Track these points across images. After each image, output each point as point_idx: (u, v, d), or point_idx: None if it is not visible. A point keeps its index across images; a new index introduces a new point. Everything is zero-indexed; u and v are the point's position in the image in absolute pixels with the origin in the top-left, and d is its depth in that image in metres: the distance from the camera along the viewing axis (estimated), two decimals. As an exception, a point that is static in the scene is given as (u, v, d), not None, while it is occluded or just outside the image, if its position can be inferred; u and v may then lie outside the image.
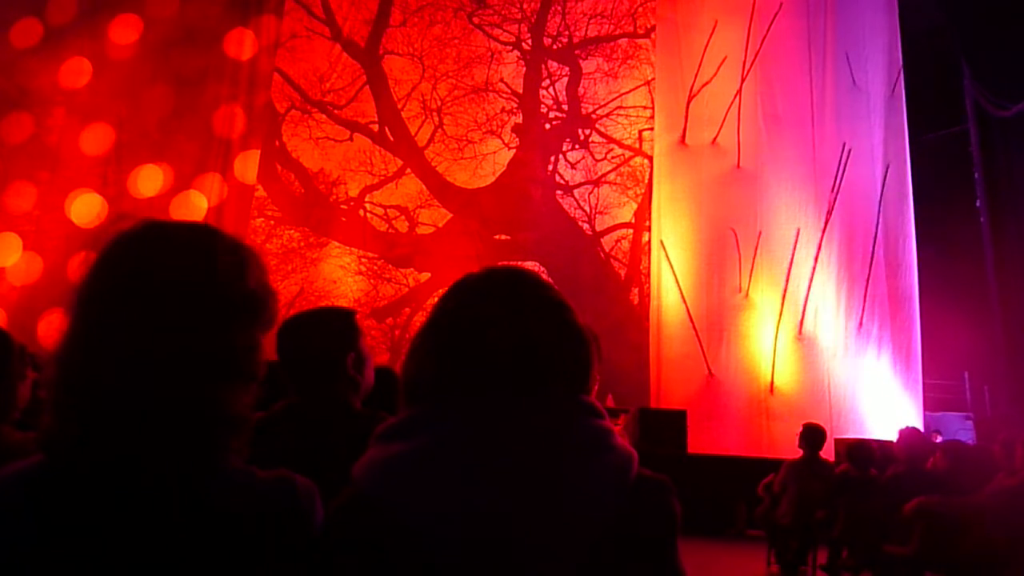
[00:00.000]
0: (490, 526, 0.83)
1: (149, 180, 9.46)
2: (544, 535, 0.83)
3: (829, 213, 9.21)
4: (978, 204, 8.95)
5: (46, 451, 0.82)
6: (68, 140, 9.53)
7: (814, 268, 9.12)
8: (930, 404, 8.94)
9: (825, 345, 9.06)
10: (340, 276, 10.98)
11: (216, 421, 0.84)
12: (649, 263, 10.11)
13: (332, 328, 1.74)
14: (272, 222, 11.05)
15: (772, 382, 8.99)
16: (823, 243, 9.17)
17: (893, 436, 6.81)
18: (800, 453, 6.32)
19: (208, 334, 0.85)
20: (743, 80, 9.60)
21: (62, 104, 9.60)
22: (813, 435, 6.31)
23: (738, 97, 9.57)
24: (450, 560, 0.83)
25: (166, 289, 0.85)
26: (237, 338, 0.88)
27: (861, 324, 9.00)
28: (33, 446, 0.83)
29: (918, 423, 8.15)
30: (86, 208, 9.28)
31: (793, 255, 9.17)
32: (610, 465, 0.88)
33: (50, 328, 8.47)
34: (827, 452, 6.57)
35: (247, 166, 9.81)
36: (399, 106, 11.84)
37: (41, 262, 9.14)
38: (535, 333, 0.93)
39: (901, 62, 9.47)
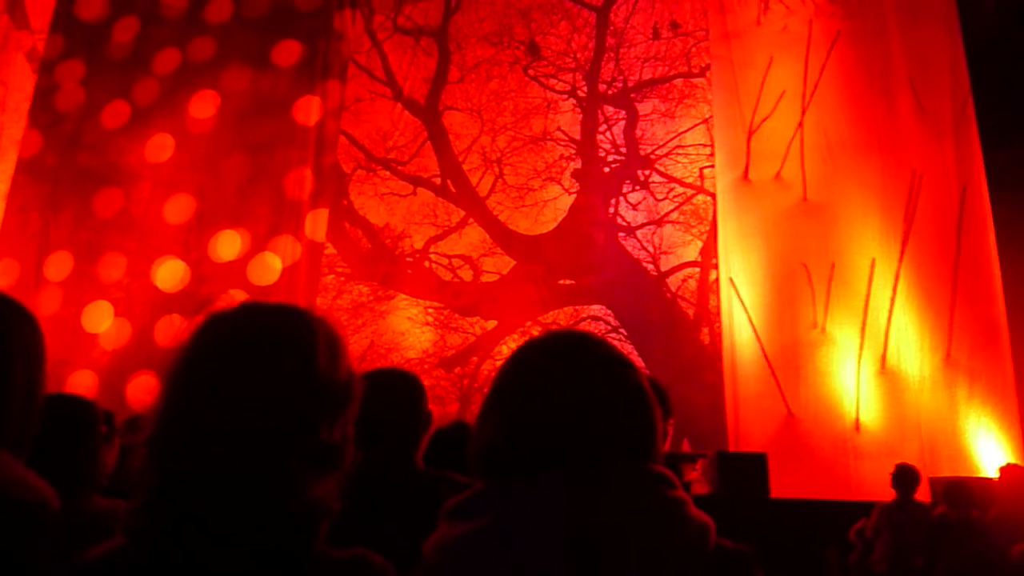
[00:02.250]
0: None
1: (228, 245, 9.91)
2: None
3: (904, 241, 8.85)
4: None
5: (133, 533, 0.84)
6: (153, 211, 10.11)
7: (893, 299, 8.74)
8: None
9: (912, 378, 8.61)
10: (408, 328, 11.18)
11: (303, 509, 0.84)
12: (718, 301, 9.90)
13: (410, 389, 1.77)
14: (342, 278, 11.39)
15: (857, 419, 8.57)
16: (900, 272, 8.80)
17: (993, 473, 6.39)
18: (892, 494, 5.99)
19: (301, 422, 0.86)
20: (804, 112, 9.44)
21: (148, 178, 10.22)
22: (906, 476, 5.99)
23: (800, 130, 9.40)
24: None
25: (263, 375, 0.86)
26: (327, 427, 0.89)
27: (949, 354, 8.52)
28: (120, 514, 0.86)
29: (1018, 457, 7.60)
30: (170, 274, 9.77)
31: (870, 287, 8.82)
32: (684, 539, 0.85)
33: (138, 389, 8.88)
34: (922, 493, 6.20)
35: (317, 225, 10.19)
36: (460, 159, 12.13)
37: (130, 327, 9.64)
38: (603, 399, 0.92)
39: (969, 81, 9.14)
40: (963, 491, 5.57)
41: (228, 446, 0.82)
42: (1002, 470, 5.64)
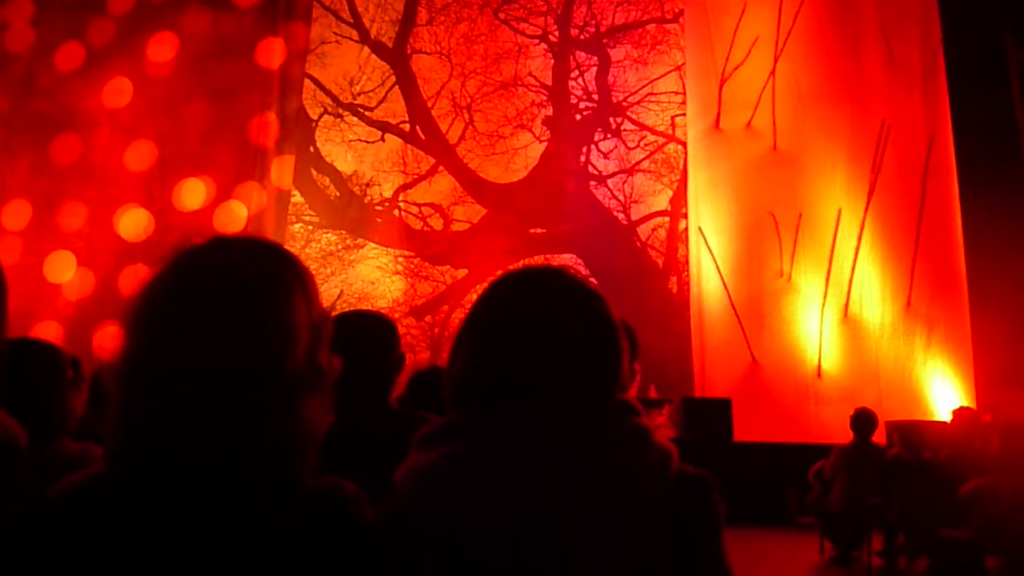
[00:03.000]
0: (528, 530, 0.83)
1: (192, 193, 9.69)
2: (583, 536, 0.83)
3: (871, 191, 8.98)
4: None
5: (111, 464, 0.84)
6: (113, 158, 9.80)
7: (857, 248, 8.91)
8: (986, 382, 8.65)
9: (872, 326, 8.85)
10: (378, 277, 11.14)
11: (277, 444, 0.83)
12: (687, 251, 9.99)
13: (382, 331, 1.77)
14: (310, 227, 11.26)
15: (819, 366, 8.82)
16: (866, 222, 8.96)
17: (946, 417, 6.65)
18: (850, 437, 6.21)
19: (278, 356, 0.84)
20: (776, 60, 9.40)
21: (106, 124, 9.88)
22: (864, 420, 6.20)
23: (772, 78, 9.38)
24: (489, 566, 0.84)
25: (232, 309, 0.84)
26: (307, 359, 0.88)
27: (909, 303, 8.76)
28: (91, 457, 0.85)
29: (971, 402, 7.91)
30: (133, 223, 9.55)
31: (835, 236, 8.97)
32: (649, 463, 0.87)
33: (104, 340, 8.76)
34: (879, 435, 6.44)
35: (283, 172, 9.99)
36: (429, 105, 11.92)
37: (93, 277, 9.44)
38: (570, 328, 0.93)
39: (940, 31, 9.17)
40: (916, 433, 5.79)
41: (195, 385, 0.80)
42: (955, 413, 5.86)
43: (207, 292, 0.85)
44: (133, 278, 9.05)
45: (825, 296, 8.94)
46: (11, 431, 0.93)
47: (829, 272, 8.95)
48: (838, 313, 8.95)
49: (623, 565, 0.84)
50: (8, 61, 10.13)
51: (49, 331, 8.93)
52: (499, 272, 1.03)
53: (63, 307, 9.33)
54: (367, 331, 1.75)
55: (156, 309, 0.85)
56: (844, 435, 6.28)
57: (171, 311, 0.85)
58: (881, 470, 5.72)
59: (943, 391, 8.49)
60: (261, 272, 0.88)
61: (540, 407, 0.89)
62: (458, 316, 10.80)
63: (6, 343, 1.03)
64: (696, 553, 0.88)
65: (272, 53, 10.09)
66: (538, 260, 10.80)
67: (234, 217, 9.51)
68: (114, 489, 0.82)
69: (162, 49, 9.99)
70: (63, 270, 9.49)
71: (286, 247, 0.97)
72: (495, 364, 0.93)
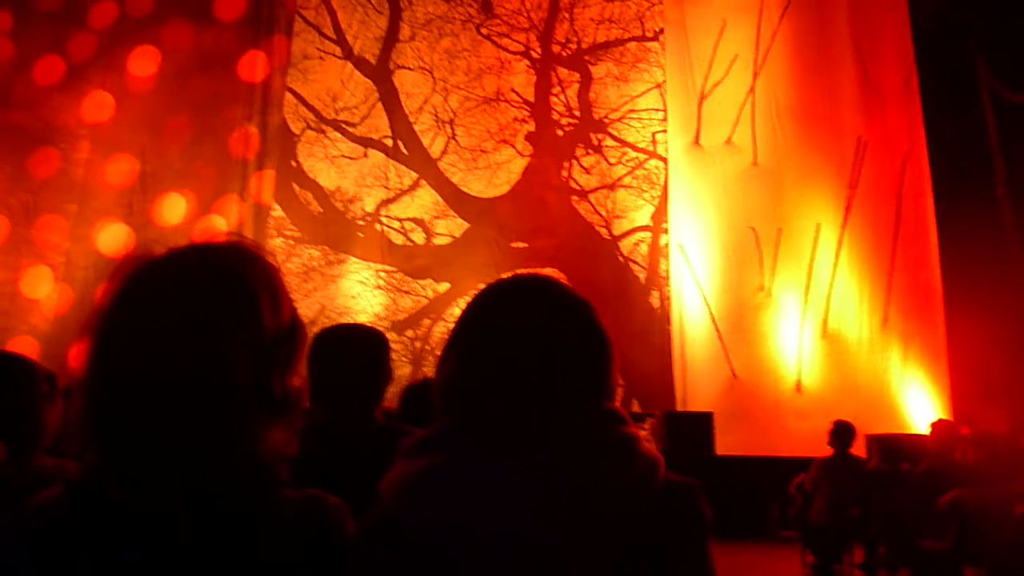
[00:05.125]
0: (515, 537, 0.82)
1: (173, 207, 9.62)
2: (570, 545, 0.83)
3: (848, 207, 9.11)
4: (999, 192, 8.78)
5: (78, 477, 0.83)
6: (94, 172, 9.71)
7: (835, 264, 9.02)
8: (962, 395, 8.76)
9: (851, 341, 8.94)
10: (360, 291, 11.09)
11: (251, 455, 0.83)
12: (668, 266, 10.06)
13: (370, 344, 1.77)
14: (291, 242, 11.20)
15: (799, 381, 8.89)
16: (844, 238, 9.07)
17: (924, 430, 6.72)
18: (831, 451, 6.25)
19: (238, 368, 0.82)
20: (755, 77, 9.54)
21: (86, 138, 9.78)
22: (843, 432, 6.25)
23: (751, 95, 9.51)
24: (477, 574, 0.83)
25: (190, 322, 0.83)
26: (270, 372, 0.86)
27: (886, 319, 8.87)
28: (65, 473, 0.85)
29: (948, 415, 8.00)
30: (112, 238, 9.45)
31: (814, 251, 9.08)
32: (637, 470, 0.87)
33: (81, 356, 8.63)
34: (858, 448, 6.48)
35: (263, 186, 9.95)
36: (412, 120, 11.94)
37: (71, 292, 9.32)
38: (559, 335, 0.93)
39: (913, 52, 9.36)
40: (895, 446, 5.85)
41: (154, 398, 0.80)
42: (933, 426, 5.93)
43: (151, 306, 0.85)
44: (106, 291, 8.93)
45: (804, 311, 9.03)
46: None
47: (808, 287, 9.04)
48: (818, 327, 9.03)
49: (609, 571, 0.83)
50: (-16, 73, 10.03)
51: (25, 346, 8.78)
52: (481, 286, 1.03)
53: (39, 322, 9.19)
54: (356, 344, 1.75)
55: (108, 322, 0.86)
56: (824, 448, 6.32)
57: (120, 325, 0.85)
58: (861, 482, 5.77)
59: (920, 404, 8.59)
60: (201, 288, 0.86)
61: (525, 415, 0.89)
62: (440, 330, 10.78)
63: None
64: (684, 559, 0.88)
65: (254, 67, 10.08)
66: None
67: (214, 232, 9.44)
68: (82, 500, 0.81)
69: (143, 63, 9.95)
70: (40, 285, 9.35)
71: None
72: (483, 370, 0.93)
